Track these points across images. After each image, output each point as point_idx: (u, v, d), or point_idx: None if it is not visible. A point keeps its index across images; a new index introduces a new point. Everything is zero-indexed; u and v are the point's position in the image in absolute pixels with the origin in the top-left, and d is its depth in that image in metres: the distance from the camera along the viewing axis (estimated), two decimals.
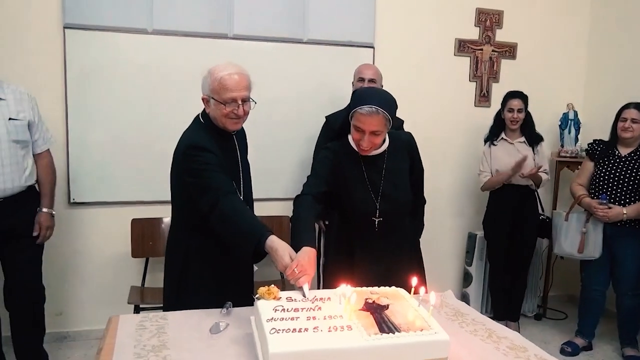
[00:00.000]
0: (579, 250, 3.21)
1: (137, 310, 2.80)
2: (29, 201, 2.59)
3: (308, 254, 1.66)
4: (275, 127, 3.41)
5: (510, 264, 3.54)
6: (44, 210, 2.65)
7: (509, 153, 3.47)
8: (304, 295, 1.56)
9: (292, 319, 1.38)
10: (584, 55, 4.17)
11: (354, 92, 1.89)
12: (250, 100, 1.95)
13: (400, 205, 2.03)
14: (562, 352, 3.31)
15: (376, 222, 1.99)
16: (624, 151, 3.14)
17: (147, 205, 3.21)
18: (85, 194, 3.17)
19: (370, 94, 1.89)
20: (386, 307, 1.48)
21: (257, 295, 1.51)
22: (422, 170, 2.16)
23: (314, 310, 1.44)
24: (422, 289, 1.51)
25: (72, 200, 3.14)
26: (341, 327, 1.34)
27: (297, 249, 1.67)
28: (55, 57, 3.06)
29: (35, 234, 2.61)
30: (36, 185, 2.65)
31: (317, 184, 1.94)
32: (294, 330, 1.32)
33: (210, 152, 1.87)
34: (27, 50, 3.00)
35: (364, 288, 1.62)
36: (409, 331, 1.33)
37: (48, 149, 2.67)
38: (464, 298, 3.87)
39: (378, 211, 1.98)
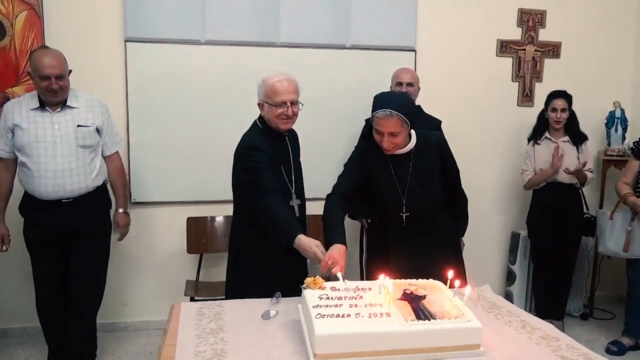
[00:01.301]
0: (624, 249, 3.19)
1: (192, 300, 3.01)
2: (97, 202, 2.75)
3: (338, 249, 1.84)
4: (319, 128, 3.55)
5: (554, 263, 3.55)
6: (120, 210, 2.88)
7: (552, 152, 3.48)
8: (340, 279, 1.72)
9: (336, 306, 1.52)
10: (631, 52, 4.10)
11: (374, 97, 2.03)
12: (299, 103, 2.19)
13: (428, 201, 2.13)
14: (608, 351, 3.29)
15: (404, 217, 2.12)
16: None
17: (202, 204, 3.43)
18: (145, 194, 3.42)
19: (386, 98, 2.02)
20: (423, 297, 1.60)
21: (304, 285, 1.66)
22: (456, 170, 2.24)
23: (355, 299, 1.58)
24: (457, 282, 1.62)
25: (133, 200, 3.39)
26: (380, 314, 1.47)
27: (328, 246, 1.87)
28: (118, 67, 3.32)
29: (116, 234, 2.86)
30: (108, 185, 2.86)
31: (345, 182, 2.12)
32: (338, 315, 1.46)
33: (263, 152, 2.10)
34: (95, 62, 3.27)
35: (403, 280, 1.74)
36: (444, 319, 1.45)
37: (117, 151, 2.87)
38: (508, 297, 3.89)
39: (405, 206, 2.11)
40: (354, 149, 2.24)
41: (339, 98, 3.60)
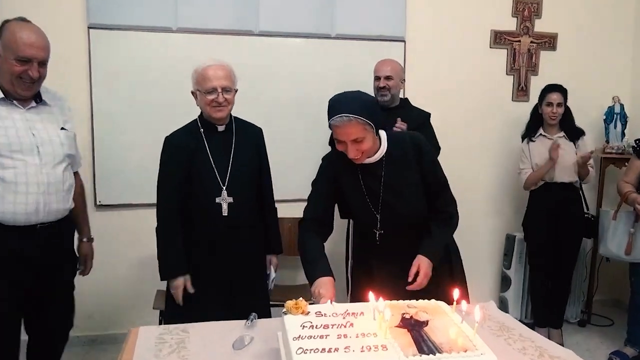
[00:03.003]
0: (627, 251, 2.99)
1: (162, 315, 2.73)
2: (69, 227, 2.22)
3: (323, 283, 1.66)
4: (303, 125, 3.31)
5: (552, 268, 3.34)
6: (85, 240, 2.35)
7: (550, 146, 3.27)
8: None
9: (322, 337, 1.26)
10: (630, 43, 3.90)
11: (328, 102, 1.74)
12: (234, 90, 2.15)
13: (407, 217, 1.84)
14: None
15: (377, 235, 1.86)
16: None
17: None
18: (111, 196, 3.13)
19: (340, 102, 1.71)
20: (425, 323, 1.35)
21: (284, 310, 1.40)
22: (440, 180, 1.88)
23: (345, 327, 1.32)
24: (463, 303, 1.37)
25: (98, 203, 3.10)
26: (375, 346, 1.22)
27: (312, 280, 1.69)
28: (80, 57, 3.02)
29: (80, 268, 2.34)
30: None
31: (317, 204, 1.88)
32: (323, 350, 1.20)
33: (173, 146, 2.17)
34: (54, 50, 2.92)
35: (400, 302, 1.49)
36: (452, 352, 1.20)
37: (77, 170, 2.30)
38: (502, 303, 3.69)
39: (379, 223, 1.84)
40: (321, 161, 1.95)
41: (323, 92, 3.31)
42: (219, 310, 2.03)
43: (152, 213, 3.11)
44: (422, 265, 1.76)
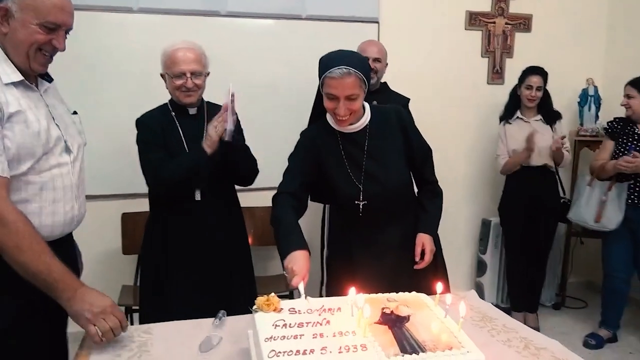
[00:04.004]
0: (596, 219, 2.99)
1: (128, 311, 2.60)
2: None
3: (297, 257, 1.55)
4: (273, 110, 3.18)
5: (528, 252, 3.32)
6: None
7: (526, 133, 3.23)
8: (300, 296, 1.40)
9: (296, 337, 1.16)
10: (604, 26, 3.88)
11: (319, 61, 1.69)
12: (204, 74, 2.07)
13: (390, 187, 1.78)
14: (586, 344, 3.10)
15: (360, 206, 1.77)
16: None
17: (140, 197, 2.96)
18: None
19: (338, 56, 1.67)
20: (407, 318, 1.26)
21: (254, 307, 1.29)
22: (425, 147, 1.87)
23: (321, 325, 1.22)
24: (448, 296, 1.29)
25: None
26: (354, 346, 1.12)
27: (286, 254, 1.57)
28: None
29: None
30: None
31: (292, 178, 1.78)
32: (298, 352, 1.09)
33: (147, 128, 2.08)
34: None
35: (379, 295, 1.40)
36: (436, 350, 1.11)
37: None
38: (478, 288, 3.66)
39: (362, 194, 1.76)
40: (299, 136, 1.87)
41: (294, 75, 3.21)
42: (197, 303, 1.91)
43: (116, 205, 2.98)
44: (426, 243, 1.79)
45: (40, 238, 1.35)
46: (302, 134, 1.86)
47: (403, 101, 2.88)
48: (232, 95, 1.97)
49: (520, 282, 3.37)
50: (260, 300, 1.29)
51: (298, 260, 1.53)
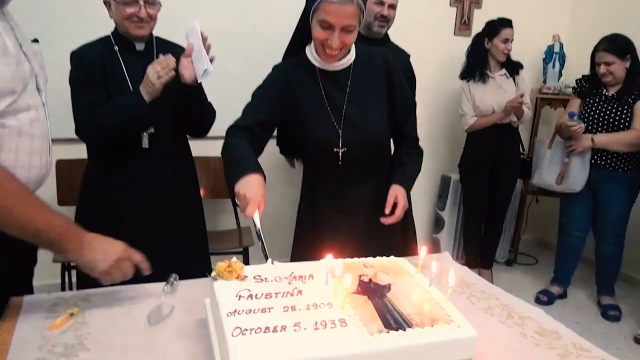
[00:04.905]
0: (557, 181, 2.96)
1: (64, 269, 2.36)
2: None
3: (251, 185, 1.34)
4: (234, 58, 2.90)
5: (487, 209, 3.29)
6: None
7: (492, 89, 3.13)
8: (256, 228, 1.28)
9: (264, 310, 0.99)
10: None
11: None
12: (158, 3, 1.82)
13: (371, 135, 1.61)
14: (538, 300, 3.14)
15: (340, 154, 1.60)
16: (610, 90, 2.84)
17: (75, 143, 2.66)
18: None
19: None
20: (387, 287, 1.12)
21: (213, 275, 1.11)
22: (409, 101, 1.72)
23: (292, 295, 1.06)
24: (434, 263, 1.15)
25: None
26: (331, 321, 0.97)
27: (237, 179, 1.36)
28: None
29: None
30: None
31: (251, 114, 1.56)
32: (267, 329, 0.93)
33: (84, 65, 1.79)
34: None
35: (355, 260, 1.25)
36: (424, 325, 0.98)
37: None
38: (435, 244, 3.63)
39: (341, 140, 1.59)
40: (271, 70, 1.65)
41: (255, 22, 2.92)
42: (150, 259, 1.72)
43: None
44: (399, 197, 1.59)
45: (30, 191, 1.14)
46: (275, 67, 1.64)
47: (403, 56, 2.65)
48: (202, 35, 1.72)
49: (476, 238, 3.36)
50: (220, 266, 1.11)
51: (251, 185, 1.33)
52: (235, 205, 1.34)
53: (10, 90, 1.12)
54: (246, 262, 2.65)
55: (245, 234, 2.79)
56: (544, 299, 3.13)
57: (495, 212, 3.30)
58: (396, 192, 1.59)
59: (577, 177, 2.87)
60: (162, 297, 1.25)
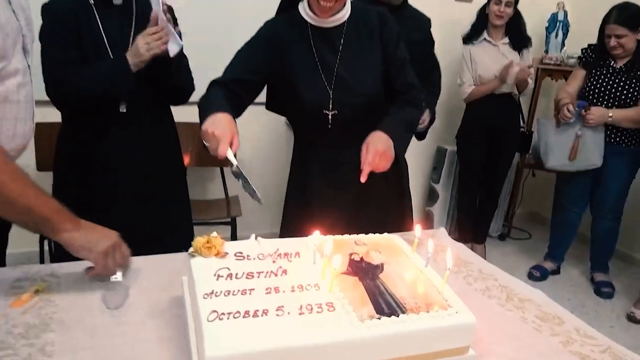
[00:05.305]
0: (570, 157, 2.78)
1: (43, 238, 2.26)
2: None
3: (220, 122, 1.24)
4: (217, 17, 2.74)
5: (484, 182, 3.21)
6: None
7: (493, 57, 3.01)
8: (234, 167, 1.19)
9: (244, 292, 0.91)
10: None
11: None
12: None
13: (363, 96, 1.49)
14: (530, 276, 3.10)
15: (329, 116, 1.48)
16: (618, 62, 2.73)
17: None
18: None
19: None
20: (380, 267, 1.03)
21: (190, 251, 1.02)
22: (404, 58, 1.55)
23: (276, 275, 0.97)
24: (430, 242, 1.07)
25: None
26: (318, 305, 0.89)
27: (205, 118, 1.27)
28: None
29: None
30: None
31: (231, 70, 1.46)
32: (247, 313, 0.85)
33: (55, 20, 1.62)
34: None
35: (345, 237, 1.16)
36: (419, 311, 0.90)
37: None
38: (428, 217, 3.56)
39: (331, 102, 1.48)
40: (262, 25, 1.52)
41: None
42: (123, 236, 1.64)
43: None
44: (372, 141, 1.36)
45: (18, 165, 1.05)
46: (266, 23, 1.53)
47: (424, 22, 2.48)
48: (164, 5, 1.57)
49: (470, 212, 3.29)
50: (198, 241, 1.02)
51: (219, 123, 1.22)
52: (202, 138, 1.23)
53: (1, 56, 1.05)
54: (234, 234, 2.56)
55: (234, 204, 2.70)
56: (537, 275, 3.09)
57: (492, 186, 3.23)
58: (369, 138, 1.38)
59: (595, 151, 2.73)
60: (115, 278, 1.13)
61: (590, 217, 2.99)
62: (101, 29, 1.66)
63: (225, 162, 1.22)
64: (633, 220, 3.10)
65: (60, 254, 1.72)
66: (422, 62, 2.17)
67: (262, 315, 0.84)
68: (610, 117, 2.66)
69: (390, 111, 1.51)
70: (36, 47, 1.58)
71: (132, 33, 1.67)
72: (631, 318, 2.71)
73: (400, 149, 1.48)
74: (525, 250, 3.51)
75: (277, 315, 0.85)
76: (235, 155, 1.21)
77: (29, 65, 1.19)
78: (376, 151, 1.34)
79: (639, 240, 3.32)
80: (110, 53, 1.67)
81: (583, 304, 2.87)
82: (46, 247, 2.36)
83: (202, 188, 2.92)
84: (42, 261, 2.38)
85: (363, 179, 1.32)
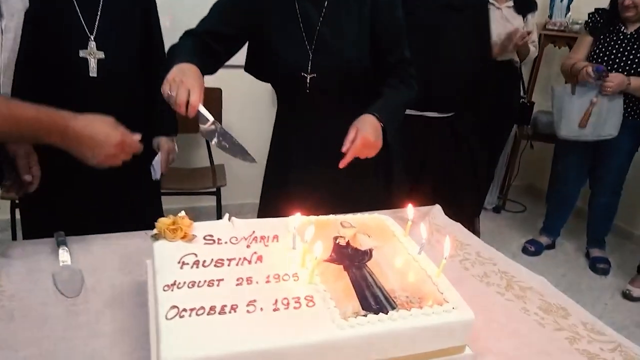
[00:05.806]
0: (581, 124, 2.60)
1: (14, 207, 2.14)
2: None
3: (186, 71, 1.12)
4: None
5: (479, 155, 3.09)
6: None
7: (496, 20, 2.83)
8: (207, 123, 1.08)
9: (211, 283, 0.79)
10: None
11: None
12: None
13: (344, 60, 1.36)
14: (525, 250, 3.02)
15: (308, 79, 1.35)
16: (629, 28, 2.57)
17: None
18: None
19: None
20: (368, 254, 0.92)
21: (154, 232, 0.90)
22: (398, 25, 1.41)
23: (250, 263, 0.85)
24: (422, 226, 0.95)
25: None
26: (295, 299, 0.77)
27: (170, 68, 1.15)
28: None
29: None
30: None
31: (206, 21, 1.32)
32: (212, 310, 0.73)
33: None
34: None
35: (330, 217, 1.04)
36: (411, 307, 0.79)
37: None
38: None
39: (310, 64, 1.35)
40: None
41: None
42: (90, 208, 1.52)
43: None
44: (362, 127, 1.23)
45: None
46: None
47: None
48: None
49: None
50: (162, 222, 0.90)
51: (189, 72, 1.11)
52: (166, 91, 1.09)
53: None
54: (219, 206, 2.44)
55: (219, 173, 2.57)
56: (532, 249, 3.01)
57: (489, 157, 3.11)
58: (357, 123, 1.25)
59: (612, 119, 2.58)
60: (63, 262, 1.01)
61: (588, 190, 2.90)
62: None
63: (194, 120, 1.08)
64: (633, 194, 3.00)
65: (30, 229, 1.61)
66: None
67: (230, 312, 0.73)
68: (629, 84, 2.51)
69: (385, 93, 1.37)
70: None
71: None
72: (627, 295, 2.64)
73: (391, 136, 1.33)
74: (520, 224, 3.43)
75: (248, 311, 0.74)
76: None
77: (2, 30, 1.06)
78: (365, 141, 1.21)
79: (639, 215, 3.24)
80: (78, 11, 1.51)
81: (578, 280, 2.80)
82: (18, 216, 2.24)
83: (187, 155, 2.78)
84: (13, 231, 2.25)
85: (342, 165, 1.19)
